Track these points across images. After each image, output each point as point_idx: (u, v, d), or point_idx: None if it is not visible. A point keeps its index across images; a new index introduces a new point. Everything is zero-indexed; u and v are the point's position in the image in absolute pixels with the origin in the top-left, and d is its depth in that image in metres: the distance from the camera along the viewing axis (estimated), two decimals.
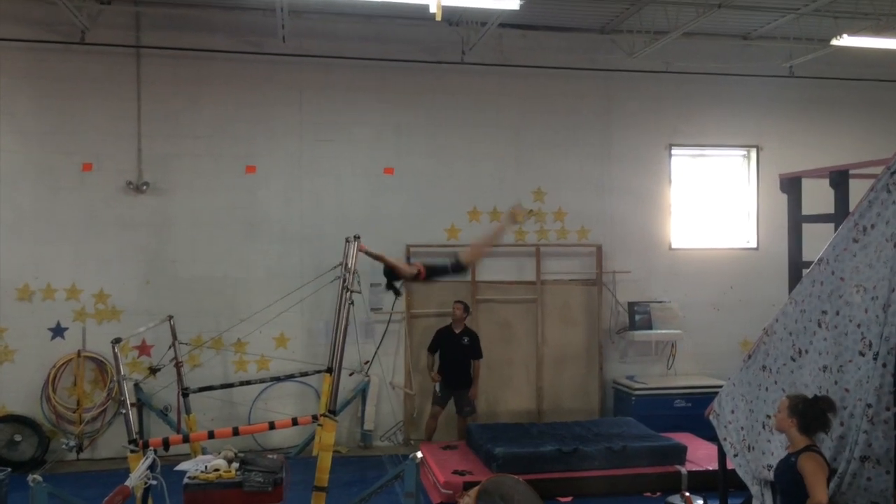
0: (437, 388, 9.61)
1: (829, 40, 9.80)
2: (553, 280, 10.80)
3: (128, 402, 6.28)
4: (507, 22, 9.66)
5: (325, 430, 6.26)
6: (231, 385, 9.14)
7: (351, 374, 9.93)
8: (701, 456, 8.31)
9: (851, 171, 6.37)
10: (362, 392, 10.11)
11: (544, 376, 10.72)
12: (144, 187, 9.79)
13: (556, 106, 10.88)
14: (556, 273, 10.81)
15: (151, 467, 5.05)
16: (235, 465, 6.02)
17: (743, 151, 11.63)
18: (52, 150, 9.61)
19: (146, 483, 5.03)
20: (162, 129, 9.86)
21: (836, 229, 5.54)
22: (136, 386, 9.30)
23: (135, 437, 6.06)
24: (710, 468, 7.67)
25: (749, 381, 5.98)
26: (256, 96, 10.10)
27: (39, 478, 5.28)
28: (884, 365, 4.72)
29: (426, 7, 7.66)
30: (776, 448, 5.44)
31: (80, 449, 9.39)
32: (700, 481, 7.83)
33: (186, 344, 9.20)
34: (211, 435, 6.31)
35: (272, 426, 6.39)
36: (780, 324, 5.70)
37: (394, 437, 10.39)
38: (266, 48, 10.01)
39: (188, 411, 8.81)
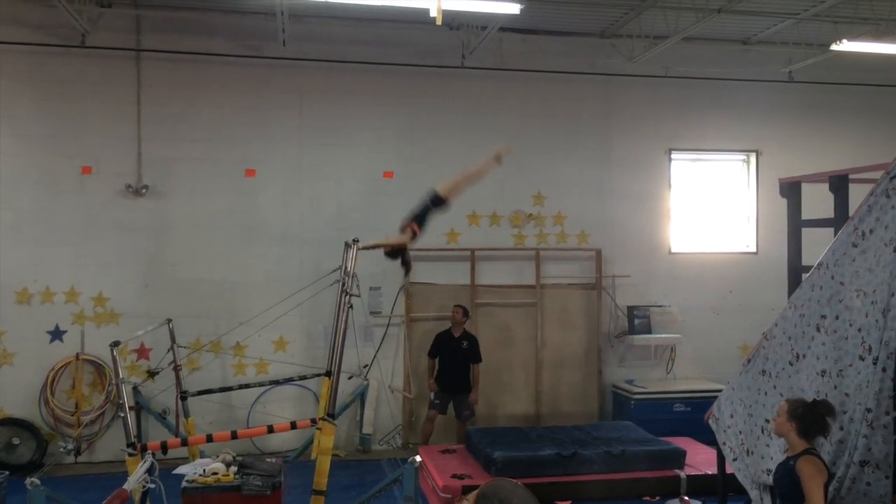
0: (433, 395, 9.63)
1: (829, 45, 9.83)
2: (552, 284, 10.79)
3: (126, 405, 6.27)
4: (507, 26, 9.68)
5: (324, 434, 6.26)
6: (230, 388, 9.11)
7: (350, 378, 9.92)
8: (700, 460, 8.29)
9: (851, 176, 6.36)
10: (361, 396, 10.11)
11: (543, 380, 10.71)
12: (144, 190, 9.79)
13: (556, 110, 10.89)
14: (556, 277, 10.81)
15: (150, 471, 5.06)
16: (234, 468, 6.02)
17: (742, 156, 11.64)
18: (51, 153, 9.61)
19: (144, 486, 5.03)
20: (161, 132, 9.87)
21: (835, 234, 5.54)
22: (135, 389, 9.30)
23: (133, 440, 6.05)
24: (710, 472, 7.66)
25: (748, 386, 5.97)
26: (256, 100, 10.11)
27: (37, 481, 5.26)
28: (883, 369, 4.72)
29: (426, 11, 7.68)
30: (775, 452, 5.44)
31: (78, 452, 9.37)
32: (699, 485, 7.82)
33: (185, 347, 9.18)
34: (209, 438, 6.30)
35: (271, 430, 6.39)
36: (779, 328, 5.70)
37: (392, 440, 10.39)
38: (266, 52, 10.03)
39: (187, 415, 8.79)
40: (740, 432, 6.01)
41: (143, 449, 5.80)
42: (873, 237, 4.88)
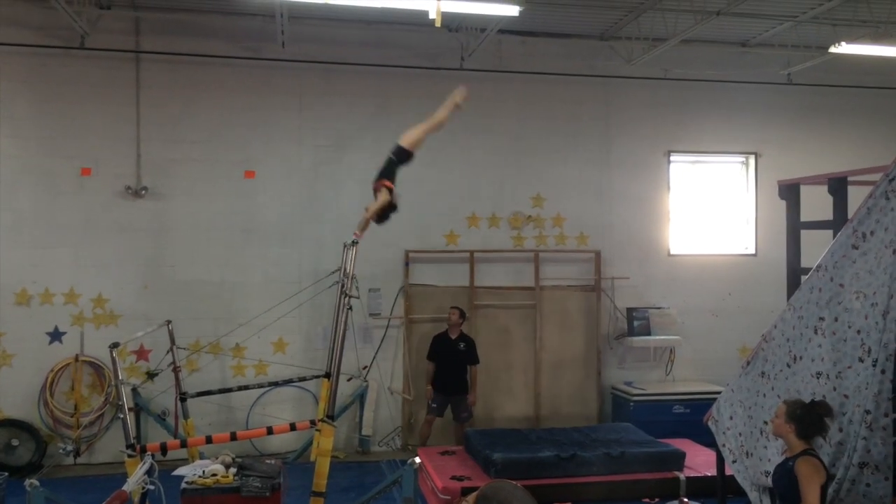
0: (430, 400, 9.64)
1: (828, 48, 9.82)
2: (552, 286, 10.79)
3: (125, 406, 6.27)
4: (506, 28, 9.68)
5: (324, 436, 6.26)
6: (229, 390, 9.11)
7: (349, 380, 9.91)
8: (699, 462, 8.29)
9: (850, 178, 6.37)
10: (360, 397, 10.10)
11: (543, 382, 10.71)
12: (143, 192, 9.79)
13: (555, 112, 10.90)
14: (555, 279, 10.82)
15: (149, 472, 5.06)
16: (233, 470, 6.02)
17: (741, 158, 11.65)
18: (51, 154, 9.61)
19: (143, 488, 5.04)
20: (161, 133, 9.87)
21: (834, 236, 5.55)
22: (134, 390, 9.30)
23: (132, 441, 6.04)
24: (709, 474, 7.67)
25: (747, 388, 5.98)
26: (255, 101, 10.11)
27: (36, 482, 5.26)
28: (882, 371, 4.73)
29: (426, 13, 7.69)
30: (774, 454, 5.44)
31: (77, 453, 9.36)
32: (698, 487, 7.81)
33: (184, 349, 9.18)
34: (209, 440, 6.31)
35: (270, 431, 6.40)
36: (778, 330, 5.71)
37: (392, 442, 10.38)
38: (265, 53, 10.04)
39: (186, 416, 8.79)
40: (740, 434, 6.01)
41: (143, 450, 5.80)
42: (874, 239, 4.89)
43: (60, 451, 9.23)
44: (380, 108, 10.43)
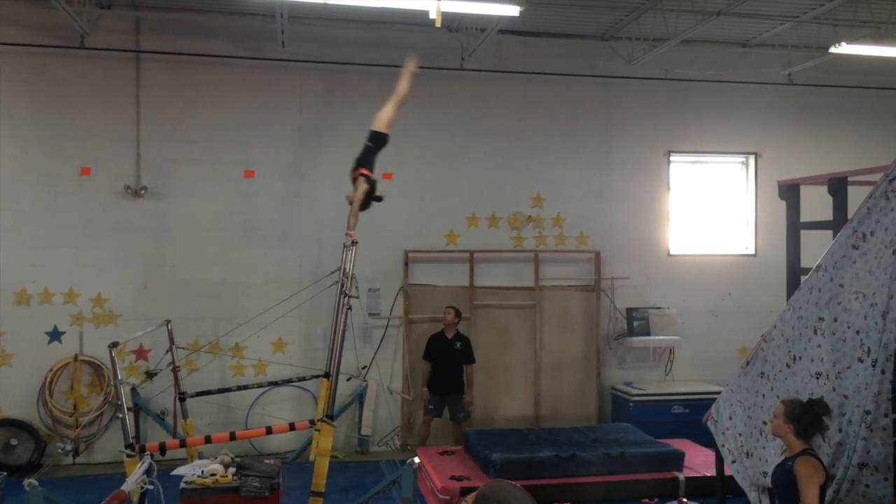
0: (427, 402, 9.63)
1: (828, 48, 9.82)
2: (551, 286, 10.79)
3: (125, 406, 6.28)
4: (506, 28, 9.67)
5: (323, 435, 6.25)
6: (228, 390, 9.08)
7: (348, 380, 9.91)
8: (699, 462, 8.29)
9: (850, 179, 6.37)
10: (360, 397, 10.10)
11: (542, 382, 10.70)
12: (143, 192, 9.79)
13: (556, 112, 10.89)
14: (555, 279, 10.81)
15: (148, 472, 5.06)
16: (232, 469, 6.02)
17: (741, 158, 11.65)
18: (50, 154, 9.61)
19: (143, 488, 5.03)
20: (160, 133, 9.87)
21: (834, 236, 5.55)
22: (133, 390, 9.30)
23: (131, 441, 6.04)
24: (708, 474, 7.67)
25: (747, 388, 5.98)
26: (255, 101, 10.10)
27: (35, 482, 5.26)
28: (882, 371, 4.73)
29: (426, 13, 7.69)
30: (773, 454, 5.44)
31: (76, 453, 9.36)
32: (698, 487, 7.81)
33: (184, 348, 9.16)
34: (208, 439, 6.30)
35: (269, 431, 6.39)
36: (777, 330, 5.71)
37: (391, 442, 10.38)
38: (265, 53, 10.03)
39: (185, 416, 8.77)
40: (739, 434, 6.01)
41: (142, 450, 5.80)
42: (874, 239, 4.89)
43: (59, 450, 9.23)
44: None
